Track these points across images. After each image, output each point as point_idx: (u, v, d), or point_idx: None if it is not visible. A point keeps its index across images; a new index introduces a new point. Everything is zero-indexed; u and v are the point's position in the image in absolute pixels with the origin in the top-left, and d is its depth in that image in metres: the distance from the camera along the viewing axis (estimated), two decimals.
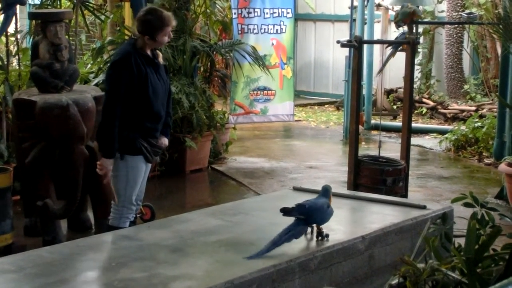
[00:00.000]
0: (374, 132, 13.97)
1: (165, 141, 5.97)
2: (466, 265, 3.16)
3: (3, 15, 7.92)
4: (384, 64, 9.15)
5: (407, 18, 8.20)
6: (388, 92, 17.04)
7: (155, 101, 5.70)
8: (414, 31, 8.27)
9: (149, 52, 5.76)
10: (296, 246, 4.70)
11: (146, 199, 6.60)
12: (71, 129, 6.60)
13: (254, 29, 11.89)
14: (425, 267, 3.30)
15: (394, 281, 3.38)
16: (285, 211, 4.88)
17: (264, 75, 11.58)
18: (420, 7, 13.09)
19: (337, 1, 18.45)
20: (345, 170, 8.42)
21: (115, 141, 5.62)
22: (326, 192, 5.06)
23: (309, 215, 4.87)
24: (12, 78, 8.93)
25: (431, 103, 16.07)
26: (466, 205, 3.83)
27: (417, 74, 15.90)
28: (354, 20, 13.73)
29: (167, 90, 5.93)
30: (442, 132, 13.22)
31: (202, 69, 10.95)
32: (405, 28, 8.60)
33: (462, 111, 15.24)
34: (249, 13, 11.80)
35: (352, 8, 13.52)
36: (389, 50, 8.60)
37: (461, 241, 3.52)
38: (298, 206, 4.88)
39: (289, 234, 4.78)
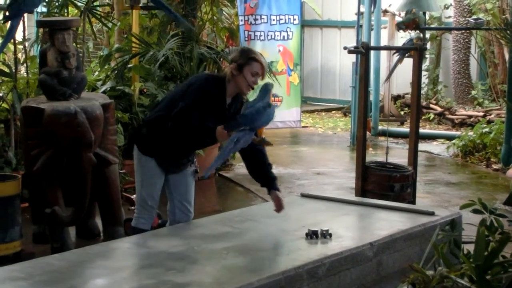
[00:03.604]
0: (381, 138, 13.96)
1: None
2: (475, 272, 3.15)
3: (8, 24, 7.94)
4: (391, 72, 9.15)
5: (409, 22, 8.23)
6: (396, 98, 17.03)
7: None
8: (421, 36, 8.29)
9: (228, 98, 5.56)
10: (304, 253, 4.70)
11: None
12: (79, 137, 6.60)
13: (261, 35, 11.91)
14: (434, 274, 3.29)
15: None
16: (230, 127, 5.16)
17: (271, 81, 11.57)
18: (427, 13, 13.10)
19: (344, 7, 18.45)
20: (352, 176, 8.42)
21: (202, 127, 5.37)
22: (265, 91, 5.27)
23: (253, 122, 5.15)
24: (20, 86, 8.96)
25: (439, 109, 16.05)
26: (475, 211, 3.82)
27: (424, 79, 15.90)
28: (361, 26, 13.73)
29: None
30: (449, 138, 13.20)
31: None
32: (411, 33, 8.62)
33: (470, 116, 15.21)
34: (256, 19, 11.81)
35: (359, 14, 13.51)
36: (396, 56, 8.61)
37: (470, 248, 3.51)
38: (241, 116, 5.16)
39: (237, 145, 5.17)
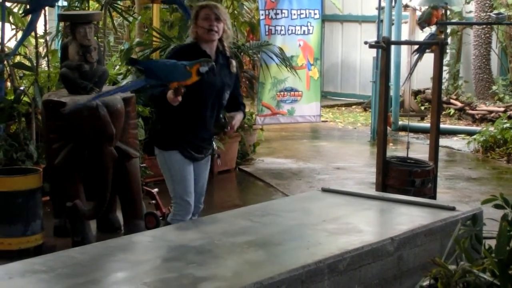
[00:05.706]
0: (401, 133, 13.94)
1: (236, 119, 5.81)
2: (498, 267, 3.14)
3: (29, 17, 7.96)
4: (412, 70, 9.09)
5: (430, 18, 8.16)
6: (416, 93, 16.99)
7: (197, 103, 5.59)
8: (442, 30, 8.22)
9: (208, 49, 5.64)
10: (325, 247, 4.69)
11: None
12: (100, 130, 6.62)
13: (281, 30, 11.90)
14: (457, 268, 3.29)
15: (425, 283, 3.37)
16: (133, 63, 5.88)
17: (291, 76, 11.58)
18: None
19: (364, 2, 18.42)
20: (373, 171, 8.40)
21: (157, 96, 5.49)
22: (196, 60, 5.25)
23: (149, 68, 5.30)
24: (41, 80, 9.00)
25: (459, 104, 15.99)
26: (496, 206, 3.80)
27: (445, 75, 15.85)
28: (382, 21, 13.70)
29: (224, 89, 5.72)
30: (470, 133, 13.16)
31: None
32: (432, 29, 8.56)
33: (491, 112, 15.15)
34: (276, 14, 11.80)
35: (380, 8, 13.49)
36: (415, 55, 8.53)
37: (491, 243, 3.50)
38: (146, 59, 5.41)
39: (125, 88, 6.02)
